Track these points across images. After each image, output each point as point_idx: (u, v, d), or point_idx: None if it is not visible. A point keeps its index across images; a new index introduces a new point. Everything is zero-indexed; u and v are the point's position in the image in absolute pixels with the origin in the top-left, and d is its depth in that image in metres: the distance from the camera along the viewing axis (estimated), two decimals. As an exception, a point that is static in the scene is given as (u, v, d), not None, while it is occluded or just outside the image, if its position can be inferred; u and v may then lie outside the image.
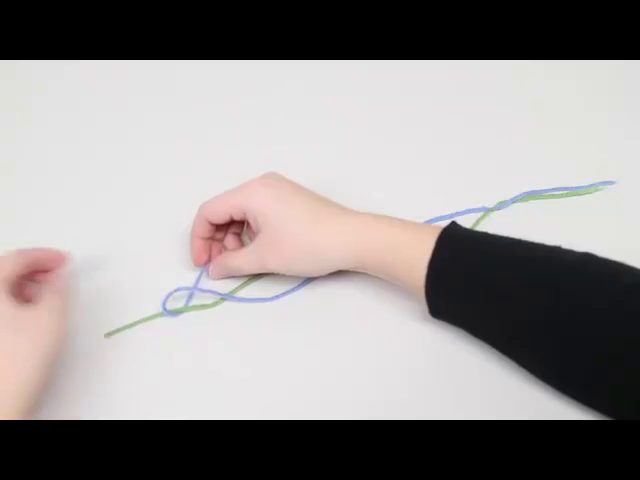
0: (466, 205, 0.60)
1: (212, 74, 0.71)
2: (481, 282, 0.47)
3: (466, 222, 0.58)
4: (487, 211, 0.59)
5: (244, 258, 0.54)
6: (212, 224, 0.54)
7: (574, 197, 0.60)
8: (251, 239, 0.56)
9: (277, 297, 0.56)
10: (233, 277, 0.56)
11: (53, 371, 0.47)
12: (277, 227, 0.51)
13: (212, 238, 0.56)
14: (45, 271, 0.50)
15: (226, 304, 0.56)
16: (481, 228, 0.58)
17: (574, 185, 0.61)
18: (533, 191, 0.60)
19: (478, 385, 0.51)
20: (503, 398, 0.50)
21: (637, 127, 0.66)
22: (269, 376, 0.52)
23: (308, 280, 0.56)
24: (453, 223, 0.50)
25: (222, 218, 0.54)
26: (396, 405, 0.50)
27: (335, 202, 0.54)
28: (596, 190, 0.61)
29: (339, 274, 0.55)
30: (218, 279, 0.56)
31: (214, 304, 0.56)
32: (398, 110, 0.68)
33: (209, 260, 0.56)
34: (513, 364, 0.49)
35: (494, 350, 0.50)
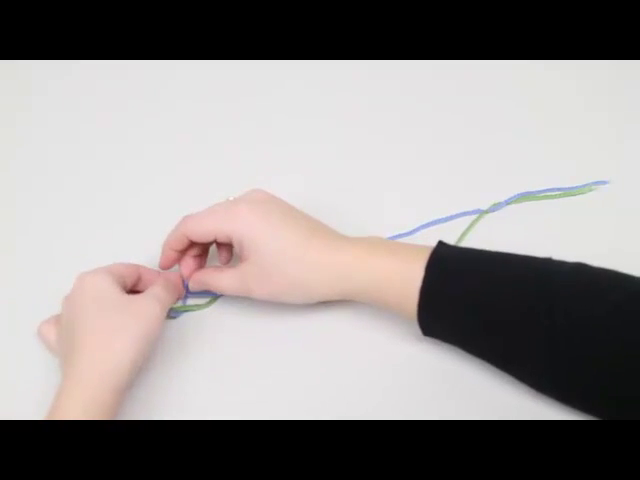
0: (460, 206, 0.60)
1: (212, 74, 0.71)
2: (474, 303, 0.47)
3: (461, 225, 0.59)
4: (481, 213, 0.59)
5: (228, 282, 0.51)
6: (190, 241, 0.52)
7: (568, 197, 0.60)
8: (223, 259, 0.55)
9: None
10: None
11: (150, 354, 0.50)
12: (265, 259, 0.49)
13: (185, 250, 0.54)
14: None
15: (217, 313, 0.56)
16: (476, 230, 0.58)
17: (569, 186, 0.61)
18: (527, 192, 0.60)
19: (474, 400, 0.50)
20: (502, 411, 0.49)
21: (633, 127, 0.66)
22: (262, 388, 0.52)
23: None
24: (440, 244, 0.49)
25: (205, 239, 0.52)
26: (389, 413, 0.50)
27: (324, 226, 0.52)
28: (590, 190, 0.61)
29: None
30: (198, 290, 0.54)
31: (207, 304, 0.56)
32: (396, 110, 0.68)
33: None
34: (509, 377, 0.49)
35: (489, 365, 0.50)
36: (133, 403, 0.50)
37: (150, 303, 0.49)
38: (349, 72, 0.71)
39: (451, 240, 0.55)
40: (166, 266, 0.54)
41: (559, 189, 0.61)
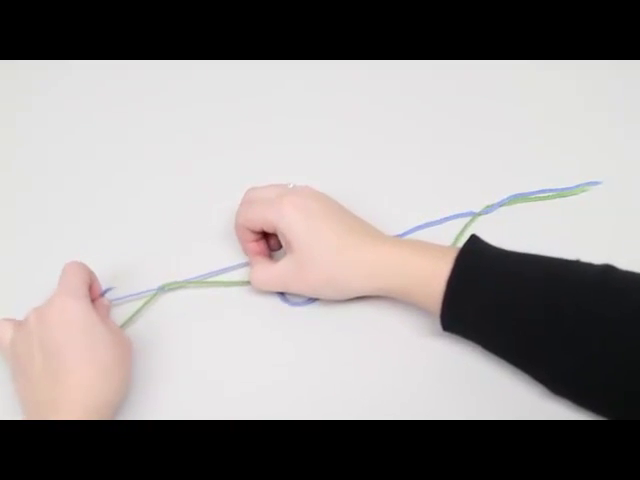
0: (454, 208, 0.60)
1: (212, 74, 0.71)
2: (499, 301, 0.47)
3: (454, 227, 0.59)
4: (475, 216, 0.59)
5: (268, 275, 0.54)
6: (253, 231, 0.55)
7: (561, 198, 0.60)
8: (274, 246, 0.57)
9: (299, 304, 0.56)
10: None
11: (129, 382, 0.50)
12: (304, 255, 0.51)
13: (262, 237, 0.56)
14: None
15: (228, 302, 0.56)
16: (470, 233, 0.58)
17: (561, 187, 0.61)
18: (520, 194, 0.60)
19: (488, 398, 0.51)
20: (513, 410, 0.50)
21: (625, 127, 0.66)
22: (277, 382, 0.52)
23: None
24: (473, 239, 0.50)
25: (257, 228, 0.54)
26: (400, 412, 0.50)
27: (365, 224, 0.54)
28: (583, 191, 0.61)
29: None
30: None
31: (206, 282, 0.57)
32: (393, 111, 0.68)
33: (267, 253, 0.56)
34: (524, 377, 0.49)
35: (505, 363, 0.50)
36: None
37: (122, 332, 0.51)
38: (349, 72, 0.71)
39: (445, 243, 0.56)
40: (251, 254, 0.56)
41: (552, 190, 0.61)
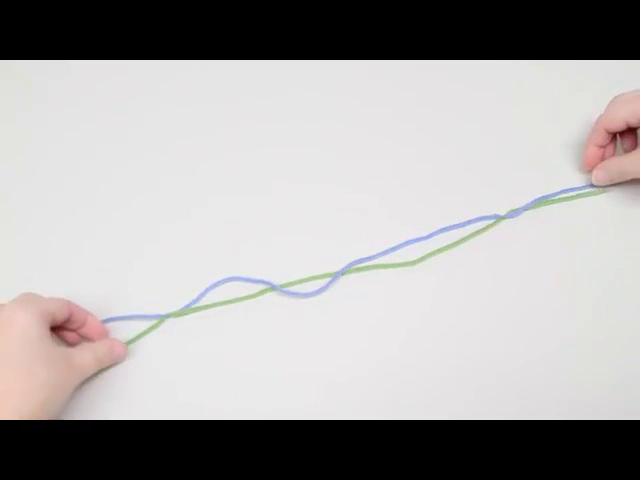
0: (479, 211, 0.60)
1: (212, 74, 0.71)
2: None
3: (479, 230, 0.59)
4: (498, 218, 0.59)
5: (629, 161, 0.57)
6: (609, 133, 0.58)
7: (584, 200, 0.60)
8: (627, 146, 0.60)
9: (313, 293, 0.56)
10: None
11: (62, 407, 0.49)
12: None
13: (605, 146, 0.59)
14: (73, 330, 0.53)
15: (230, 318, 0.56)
16: (493, 236, 0.58)
17: (582, 184, 0.61)
18: (544, 196, 0.60)
19: (491, 399, 0.51)
20: (517, 411, 0.50)
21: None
22: (281, 380, 0.53)
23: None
24: None
25: (619, 127, 0.57)
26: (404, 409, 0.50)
27: None
28: (603, 192, 0.60)
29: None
30: (602, 184, 0.60)
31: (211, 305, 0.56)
32: (409, 113, 0.67)
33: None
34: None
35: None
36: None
37: (87, 358, 0.50)
38: (349, 72, 0.71)
39: (464, 244, 0.57)
40: (591, 166, 0.60)
41: (573, 189, 0.61)
